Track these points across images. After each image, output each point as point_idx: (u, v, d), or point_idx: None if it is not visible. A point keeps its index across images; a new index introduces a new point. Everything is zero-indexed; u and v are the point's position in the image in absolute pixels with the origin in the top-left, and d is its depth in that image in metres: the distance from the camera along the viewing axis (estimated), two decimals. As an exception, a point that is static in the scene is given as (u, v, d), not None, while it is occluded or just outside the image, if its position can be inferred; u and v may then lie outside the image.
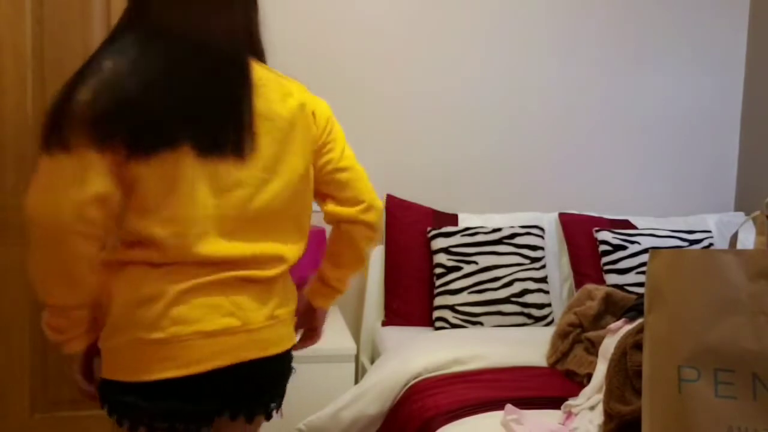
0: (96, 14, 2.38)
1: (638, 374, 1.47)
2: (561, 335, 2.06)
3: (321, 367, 2.23)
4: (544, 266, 2.60)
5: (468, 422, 1.70)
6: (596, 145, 2.95)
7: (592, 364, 1.84)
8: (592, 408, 1.65)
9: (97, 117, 1.15)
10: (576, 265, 2.67)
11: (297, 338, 1.49)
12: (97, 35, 2.39)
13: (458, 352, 2.06)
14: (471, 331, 2.38)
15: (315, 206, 1.46)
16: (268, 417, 1.42)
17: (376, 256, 2.69)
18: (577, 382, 1.91)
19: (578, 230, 2.72)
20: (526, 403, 1.76)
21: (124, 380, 1.24)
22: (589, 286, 2.19)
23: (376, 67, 2.72)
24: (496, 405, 1.75)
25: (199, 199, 1.23)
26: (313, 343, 1.63)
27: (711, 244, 2.72)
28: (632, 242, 2.62)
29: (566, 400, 1.75)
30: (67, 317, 1.25)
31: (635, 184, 3.01)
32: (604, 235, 2.65)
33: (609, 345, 1.73)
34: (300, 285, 2.61)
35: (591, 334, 1.99)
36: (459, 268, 2.51)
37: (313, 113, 1.39)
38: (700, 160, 3.07)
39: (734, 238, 1.35)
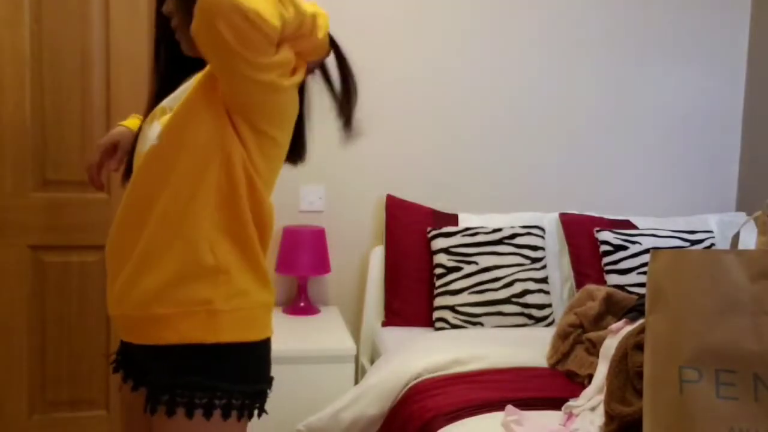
0: (94, 14, 2.38)
1: (639, 375, 1.46)
2: (562, 336, 2.05)
3: (321, 368, 2.22)
4: (544, 266, 2.59)
5: (468, 423, 1.69)
6: (597, 145, 2.95)
7: (593, 365, 1.84)
8: (593, 409, 1.64)
9: None
10: (577, 266, 2.67)
11: None
12: (96, 35, 2.39)
13: (458, 353, 2.05)
14: (471, 332, 2.37)
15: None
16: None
17: (376, 256, 2.68)
18: (577, 382, 1.91)
19: (579, 230, 2.71)
20: (527, 404, 1.75)
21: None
22: (590, 287, 2.18)
23: (375, 66, 2.72)
24: (496, 406, 1.74)
25: None
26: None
27: (712, 245, 2.71)
28: (633, 242, 2.61)
29: (567, 401, 1.74)
30: None
31: (636, 184, 3.00)
32: (604, 235, 2.65)
33: (610, 346, 1.72)
34: (302, 283, 2.60)
35: (592, 335, 1.98)
36: (459, 269, 2.50)
37: None
38: (702, 160, 3.06)
39: (736, 239, 1.34)
